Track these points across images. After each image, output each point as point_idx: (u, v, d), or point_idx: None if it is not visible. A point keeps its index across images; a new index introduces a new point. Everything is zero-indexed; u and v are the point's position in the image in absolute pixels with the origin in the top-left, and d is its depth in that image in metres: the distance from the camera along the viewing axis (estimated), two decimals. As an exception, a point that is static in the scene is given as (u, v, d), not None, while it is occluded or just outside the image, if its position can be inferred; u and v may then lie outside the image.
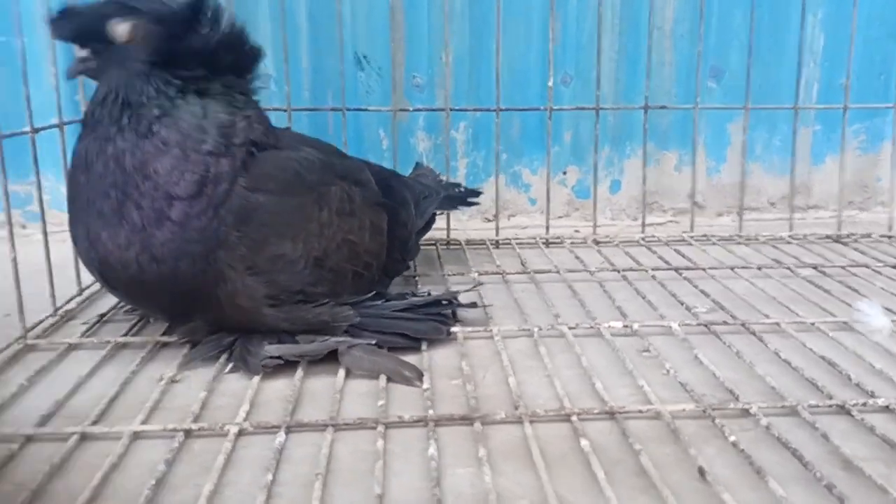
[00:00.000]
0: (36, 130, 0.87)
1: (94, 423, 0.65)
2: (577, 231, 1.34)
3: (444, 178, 1.19)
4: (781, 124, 1.39)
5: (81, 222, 0.74)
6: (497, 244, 1.23)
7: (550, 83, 1.19)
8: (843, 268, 1.08)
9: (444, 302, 0.86)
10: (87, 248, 0.74)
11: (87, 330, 0.87)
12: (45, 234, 0.89)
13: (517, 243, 1.22)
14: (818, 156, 1.41)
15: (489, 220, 1.38)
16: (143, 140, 0.72)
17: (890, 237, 1.25)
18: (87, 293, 0.98)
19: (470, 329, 0.84)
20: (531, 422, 0.64)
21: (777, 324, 0.86)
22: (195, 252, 0.72)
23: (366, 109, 1.22)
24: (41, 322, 0.87)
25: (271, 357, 0.75)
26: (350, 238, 0.83)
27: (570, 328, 0.84)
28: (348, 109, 1.18)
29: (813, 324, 0.86)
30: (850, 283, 1.00)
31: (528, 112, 1.29)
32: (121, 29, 0.72)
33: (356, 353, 0.76)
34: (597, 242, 1.24)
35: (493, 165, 1.36)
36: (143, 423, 0.65)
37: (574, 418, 0.64)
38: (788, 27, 1.35)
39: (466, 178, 1.37)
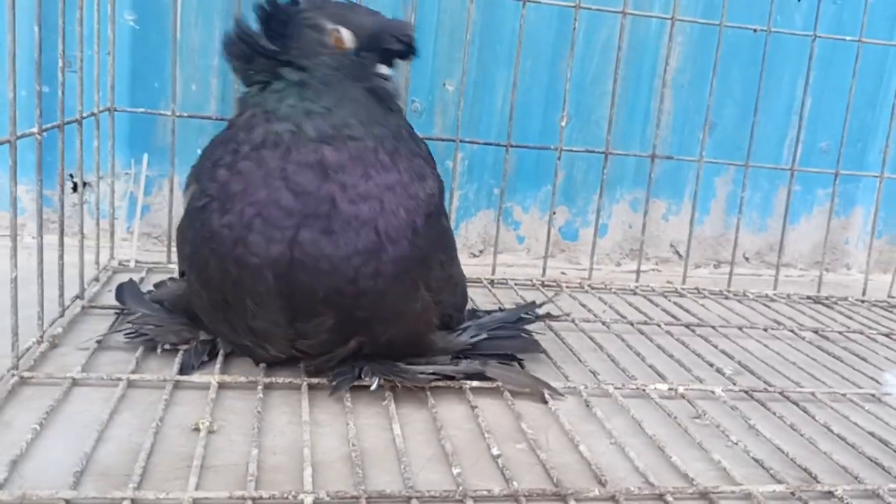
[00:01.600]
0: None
1: (139, 486, 0.56)
2: (563, 273, 1.31)
3: None
4: (762, 181, 1.42)
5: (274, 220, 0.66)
6: (493, 283, 1.19)
7: (563, 123, 1.17)
8: (840, 333, 1.10)
9: (525, 315, 0.89)
10: (272, 247, 0.66)
11: (87, 362, 0.77)
12: (41, 245, 0.78)
13: (515, 283, 1.19)
14: (794, 215, 1.44)
15: (474, 256, 1.34)
16: (393, 157, 0.69)
17: (864, 301, 1.29)
18: (69, 314, 0.87)
19: (512, 385, 0.80)
20: (626, 500, 0.60)
21: (812, 393, 0.85)
22: (412, 270, 0.69)
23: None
24: (28, 349, 0.76)
25: (426, 374, 0.74)
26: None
27: (616, 388, 0.81)
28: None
29: (844, 395, 0.86)
30: (856, 351, 1.02)
31: (525, 149, 1.25)
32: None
33: (498, 370, 0.77)
34: (592, 287, 1.21)
35: (485, 200, 1.33)
36: (199, 487, 0.57)
37: (669, 497, 0.61)
38: (780, 89, 1.38)
39: (457, 211, 1.32)
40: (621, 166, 1.35)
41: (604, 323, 1.03)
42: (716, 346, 0.98)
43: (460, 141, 1.15)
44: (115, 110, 1.05)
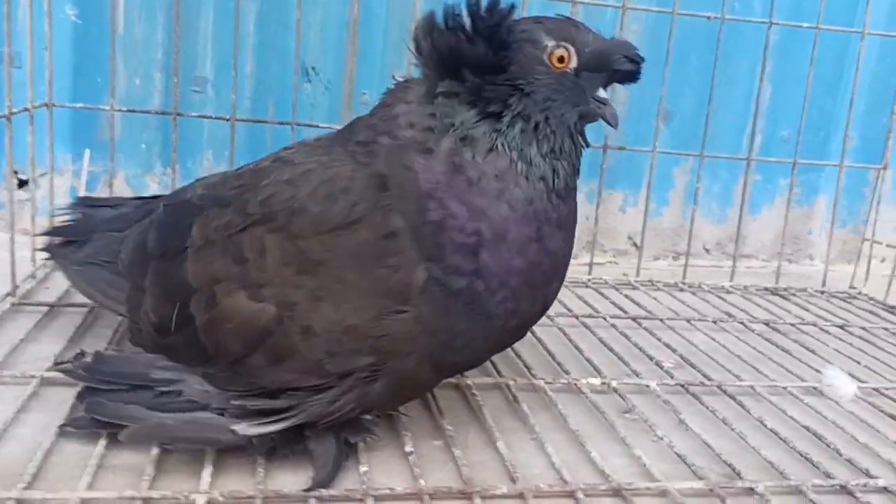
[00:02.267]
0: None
1: (29, 485, 0.55)
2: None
3: None
4: (722, 172, 1.41)
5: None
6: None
7: (511, 114, 1.15)
8: (792, 325, 1.08)
9: None
10: (535, 306, 0.63)
11: (4, 360, 0.75)
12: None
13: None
14: (755, 206, 1.43)
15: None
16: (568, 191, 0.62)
17: (823, 292, 1.28)
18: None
19: (441, 379, 0.78)
20: (535, 497, 0.59)
21: (752, 387, 0.84)
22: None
23: (317, 126, 1.14)
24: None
25: None
26: None
27: (546, 383, 0.79)
28: (298, 124, 1.09)
29: (785, 388, 0.85)
30: (805, 343, 1.01)
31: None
32: None
33: None
34: (545, 281, 1.20)
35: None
36: (91, 487, 0.55)
37: (580, 494, 0.59)
38: (738, 78, 1.36)
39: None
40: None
41: (548, 316, 1.01)
42: (660, 339, 0.96)
43: (407, 133, 1.13)
44: (53, 105, 1.04)
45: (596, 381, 0.81)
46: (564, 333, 0.95)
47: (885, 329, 1.10)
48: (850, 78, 1.39)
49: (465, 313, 0.58)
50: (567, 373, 0.83)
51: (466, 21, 0.59)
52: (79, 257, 0.77)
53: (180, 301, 0.63)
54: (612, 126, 0.64)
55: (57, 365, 0.71)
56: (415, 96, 0.62)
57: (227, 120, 1.07)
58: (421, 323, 0.57)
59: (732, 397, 0.81)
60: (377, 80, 1.24)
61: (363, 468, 0.60)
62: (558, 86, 0.60)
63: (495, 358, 0.83)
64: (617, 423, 0.72)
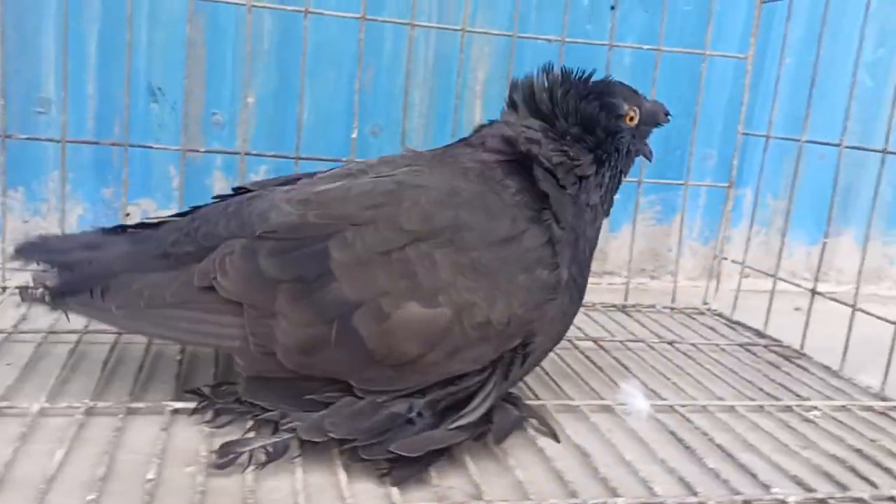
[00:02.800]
0: None
1: None
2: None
3: None
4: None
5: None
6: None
7: (354, 135, 1.16)
8: (621, 342, 1.10)
9: None
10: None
11: None
12: None
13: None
14: (616, 223, 1.46)
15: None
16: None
17: (673, 309, 1.31)
18: None
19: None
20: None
21: (543, 405, 0.85)
22: None
23: (150, 147, 1.13)
24: None
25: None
26: None
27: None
28: (131, 146, 1.09)
29: (577, 406, 0.86)
30: (623, 360, 1.03)
31: (322, 161, 1.24)
32: None
33: None
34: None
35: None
36: None
37: None
38: (592, 98, 1.39)
39: (265, 223, 1.31)
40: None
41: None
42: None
43: (246, 154, 1.14)
44: None
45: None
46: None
47: (717, 345, 1.13)
48: (704, 99, 1.43)
49: (578, 297, 0.79)
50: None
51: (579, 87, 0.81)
52: (125, 301, 0.73)
53: (338, 317, 0.67)
54: (648, 160, 0.89)
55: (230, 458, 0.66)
56: (541, 134, 0.79)
57: (58, 142, 1.06)
58: (561, 309, 0.75)
59: (518, 416, 0.82)
60: (228, 99, 1.25)
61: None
62: (632, 137, 0.83)
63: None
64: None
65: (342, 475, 0.67)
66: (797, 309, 1.32)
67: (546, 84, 0.81)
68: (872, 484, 0.74)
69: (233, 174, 1.26)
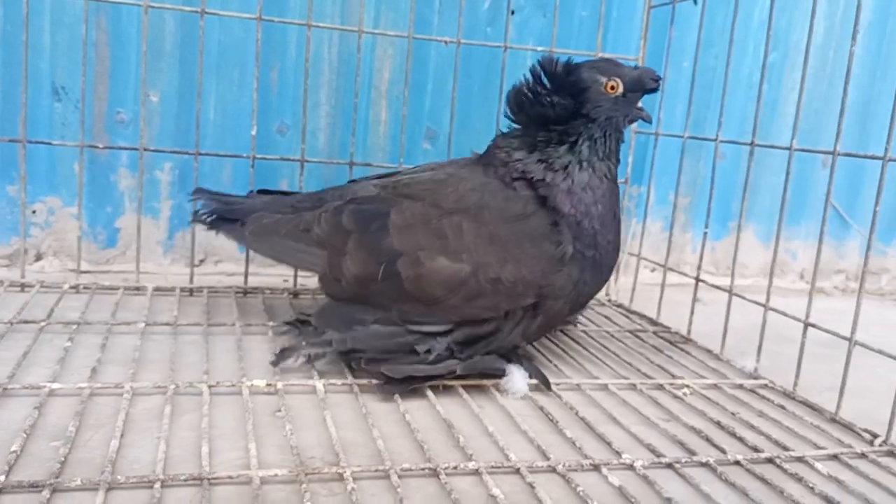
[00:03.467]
0: None
1: None
2: (285, 280, 1.33)
3: None
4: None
5: None
6: (191, 292, 1.19)
7: (253, 132, 1.18)
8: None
9: None
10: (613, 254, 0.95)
11: None
12: None
13: (210, 292, 1.20)
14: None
15: (196, 266, 1.34)
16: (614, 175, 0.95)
17: (574, 301, 1.34)
18: None
19: (100, 385, 0.80)
20: (109, 489, 0.61)
21: (421, 388, 0.88)
22: None
23: (48, 143, 1.15)
24: None
25: None
26: None
27: (210, 386, 0.82)
28: (29, 142, 1.11)
29: (453, 386, 0.90)
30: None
31: (239, 159, 1.26)
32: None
33: None
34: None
35: (203, 209, 1.34)
36: None
37: (157, 485, 0.62)
38: (498, 98, 1.43)
39: (171, 220, 1.32)
40: (343, 176, 1.37)
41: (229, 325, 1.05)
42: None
43: (145, 150, 1.16)
44: None
45: (261, 382, 0.84)
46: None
47: (606, 331, 1.17)
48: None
49: (590, 269, 0.91)
50: (242, 375, 0.86)
51: (547, 84, 0.92)
52: (255, 228, 1.01)
53: (386, 261, 0.90)
54: (647, 122, 0.98)
55: (284, 358, 0.91)
56: (521, 149, 0.93)
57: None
58: (570, 278, 0.90)
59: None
60: (131, 98, 1.26)
61: None
62: (614, 104, 0.92)
63: (180, 363, 0.86)
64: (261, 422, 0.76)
65: (357, 390, 0.86)
66: (698, 300, 1.36)
67: (518, 92, 0.94)
68: (722, 450, 0.78)
69: (139, 170, 1.26)
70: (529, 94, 0.92)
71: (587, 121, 0.91)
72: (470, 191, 0.92)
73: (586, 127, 0.91)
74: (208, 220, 1.08)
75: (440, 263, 0.88)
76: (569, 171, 0.91)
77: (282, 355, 0.91)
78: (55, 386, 0.79)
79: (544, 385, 0.91)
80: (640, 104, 0.95)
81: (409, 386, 0.86)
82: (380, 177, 1.06)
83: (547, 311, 0.91)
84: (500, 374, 0.91)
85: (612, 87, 0.91)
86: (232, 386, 0.83)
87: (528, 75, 0.93)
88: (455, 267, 0.88)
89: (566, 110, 0.91)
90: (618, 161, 0.95)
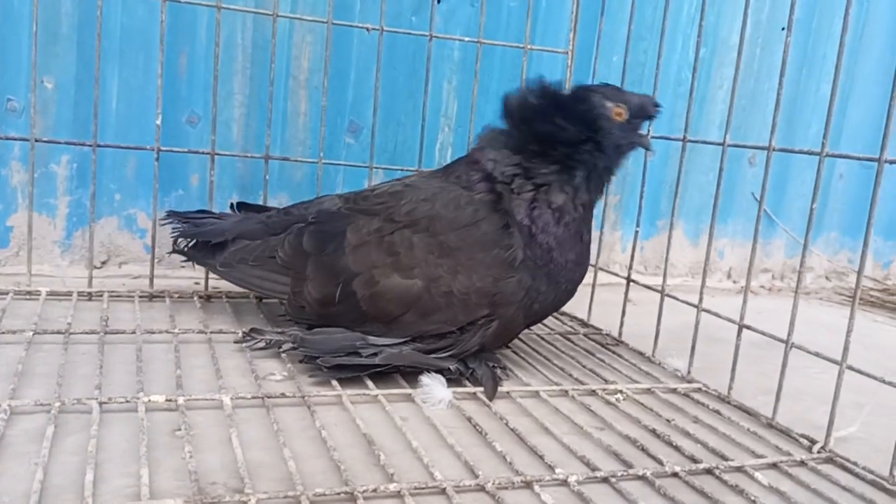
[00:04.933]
0: None
1: None
2: (196, 283, 1.24)
3: None
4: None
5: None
6: (90, 296, 1.10)
7: (158, 122, 1.09)
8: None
9: None
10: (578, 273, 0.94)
11: None
12: None
13: (112, 297, 1.10)
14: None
15: (98, 268, 1.24)
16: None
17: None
18: None
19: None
20: None
21: (339, 396, 0.82)
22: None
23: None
24: None
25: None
26: None
27: (101, 402, 0.74)
28: None
29: (376, 396, 0.83)
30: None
31: (146, 151, 1.17)
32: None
33: None
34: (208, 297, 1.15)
35: (105, 206, 1.24)
36: None
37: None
38: (422, 90, 1.37)
39: (69, 218, 1.22)
40: (259, 169, 1.28)
41: (173, 333, 0.96)
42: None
43: (37, 141, 1.06)
44: None
45: (160, 398, 0.76)
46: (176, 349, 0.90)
47: (536, 335, 1.12)
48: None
49: (545, 280, 0.90)
50: (139, 391, 0.77)
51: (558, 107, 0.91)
52: (225, 259, 1.02)
53: (342, 282, 0.91)
54: (648, 150, 0.98)
55: (248, 339, 0.95)
56: (500, 149, 0.92)
57: None
58: (521, 284, 0.88)
59: (309, 407, 0.78)
60: (23, 85, 1.16)
61: None
62: (620, 129, 0.91)
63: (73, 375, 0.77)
64: (155, 443, 0.68)
65: (269, 403, 0.79)
66: (630, 300, 1.33)
67: (523, 104, 0.92)
68: (659, 462, 0.74)
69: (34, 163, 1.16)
70: (537, 111, 0.91)
71: (596, 149, 0.90)
72: (422, 201, 0.91)
73: (592, 155, 0.91)
74: (187, 248, 1.08)
75: (393, 281, 0.88)
76: (545, 189, 0.90)
77: (248, 335, 0.94)
78: (-81, 406, 0.70)
79: (487, 396, 0.86)
80: (641, 130, 0.94)
81: (343, 374, 0.86)
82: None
83: (500, 319, 0.89)
84: (432, 368, 0.88)
85: (619, 114, 0.90)
86: (126, 402, 0.75)
87: (533, 87, 0.92)
88: (407, 283, 0.88)
89: (576, 136, 0.90)
90: (601, 194, 0.96)
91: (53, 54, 1.16)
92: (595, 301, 1.22)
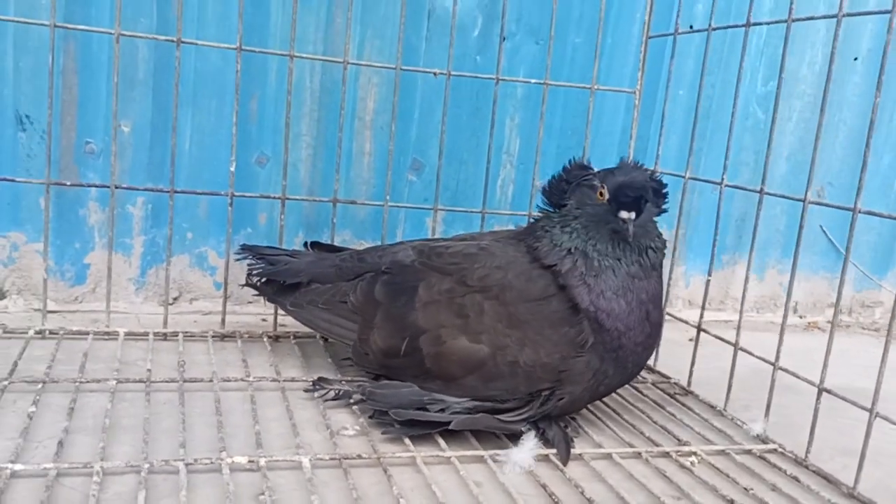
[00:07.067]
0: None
1: None
2: (264, 320, 1.26)
3: None
4: (478, 221, 1.40)
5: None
6: (165, 336, 1.12)
7: (232, 168, 1.11)
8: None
9: None
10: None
11: None
12: None
13: (186, 337, 1.12)
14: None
15: (170, 304, 1.27)
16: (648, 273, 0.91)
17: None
18: None
19: (67, 465, 0.73)
20: None
21: (413, 458, 0.82)
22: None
23: (12, 180, 1.07)
24: None
25: None
26: None
27: (187, 464, 0.75)
28: (-1, 179, 1.03)
29: (449, 458, 0.84)
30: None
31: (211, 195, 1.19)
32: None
33: None
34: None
35: (178, 244, 1.26)
36: None
37: None
38: (486, 129, 1.37)
39: (143, 256, 1.25)
40: (326, 210, 1.30)
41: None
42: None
43: (117, 188, 1.08)
44: None
45: (242, 459, 0.78)
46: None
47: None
48: (598, 131, 1.43)
49: (612, 363, 0.89)
50: (220, 451, 0.79)
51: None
52: (295, 300, 1.05)
53: (409, 336, 0.92)
54: (627, 241, 0.88)
55: (318, 388, 0.97)
56: (554, 226, 0.92)
57: None
58: (589, 366, 0.88)
59: (385, 470, 0.79)
60: (101, 128, 1.19)
61: None
62: (594, 211, 0.90)
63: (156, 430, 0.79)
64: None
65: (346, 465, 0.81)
66: (691, 340, 1.32)
67: (550, 180, 0.96)
68: (739, 536, 0.73)
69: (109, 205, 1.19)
70: (563, 190, 0.94)
71: (576, 218, 0.91)
72: (495, 268, 0.92)
73: (579, 219, 0.91)
74: (259, 283, 1.11)
75: (460, 343, 0.90)
76: (577, 257, 0.89)
77: (318, 384, 0.97)
78: (17, 468, 0.72)
79: (561, 459, 0.86)
80: (624, 214, 0.87)
81: (414, 431, 0.87)
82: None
83: (564, 396, 0.89)
84: (508, 432, 0.89)
85: (601, 194, 0.90)
86: (211, 463, 0.77)
87: (565, 167, 0.96)
88: (474, 347, 0.89)
89: (573, 213, 0.92)
90: (647, 259, 0.91)
91: (130, 99, 1.19)
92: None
